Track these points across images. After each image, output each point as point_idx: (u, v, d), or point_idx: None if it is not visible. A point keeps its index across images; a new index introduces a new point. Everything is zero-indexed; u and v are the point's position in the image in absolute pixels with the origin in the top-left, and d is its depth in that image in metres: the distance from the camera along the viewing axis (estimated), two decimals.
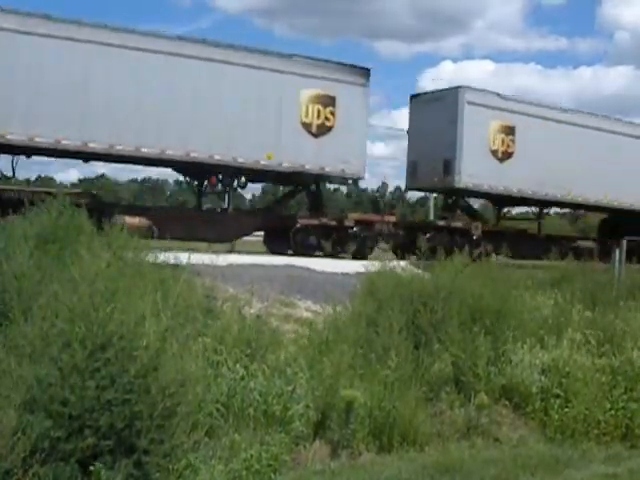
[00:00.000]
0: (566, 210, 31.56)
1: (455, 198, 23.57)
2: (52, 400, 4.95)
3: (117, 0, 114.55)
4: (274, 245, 20.76)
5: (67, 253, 7.24)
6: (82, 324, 5.05)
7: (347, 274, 13.57)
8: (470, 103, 21.73)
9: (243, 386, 6.69)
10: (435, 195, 30.06)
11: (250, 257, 15.38)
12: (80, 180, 58.14)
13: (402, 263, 10.95)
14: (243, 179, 20.02)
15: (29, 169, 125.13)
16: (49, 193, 11.41)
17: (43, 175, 50.08)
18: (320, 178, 20.92)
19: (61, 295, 5.37)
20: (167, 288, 7.09)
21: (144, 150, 17.76)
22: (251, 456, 5.95)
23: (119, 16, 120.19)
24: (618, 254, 14.93)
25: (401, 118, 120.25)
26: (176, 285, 7.14)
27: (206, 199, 21.87)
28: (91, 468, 4.87)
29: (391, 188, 49.11)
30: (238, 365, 6.87)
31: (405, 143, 24.16)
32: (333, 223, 20.60)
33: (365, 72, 20.72)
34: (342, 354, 7.64)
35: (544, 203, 24.69)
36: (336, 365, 7.45)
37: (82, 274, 5.35)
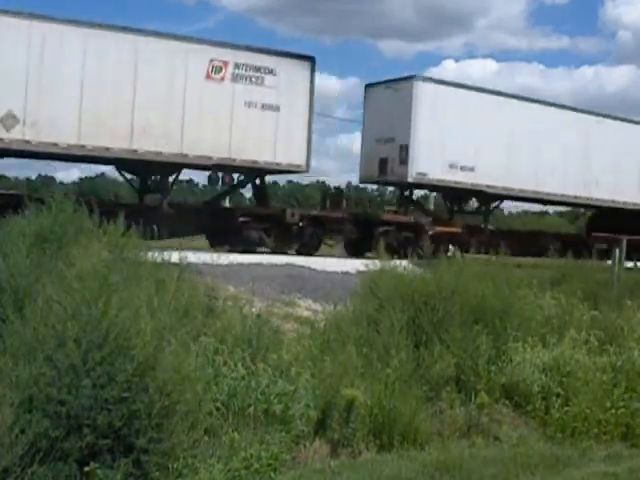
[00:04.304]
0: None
1: None
2: (49, 399, 4.93)
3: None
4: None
5: (64, 252, 7.22)
6: (74, 322, 5.03)
7: (347, 273, 13.55)
8: None
9: (244, 385, 6.67)
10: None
11: (250, 256, 15.37)
12: (81, 179, 58.04)
13: (404, 262, 10.93)
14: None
15: (30, 168, 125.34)
16: None
17: (44, 174, 49.92)
18: None
19: (54, 294, 5.35)
20: (165, 286, 7.07)
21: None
22: (251, 455, 5.93)
23: (121, 16, 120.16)
24: (618, 253, 14.90)
25: None
26: (174, 283, 7.12)
27: None
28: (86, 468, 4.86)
29: None
30: (240, 365, 6.85)
31: None
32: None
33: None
34: (343, 353, 7.62)
35: None
36: (337, 364, 7.43)
37: (76, 272, 5.33)
